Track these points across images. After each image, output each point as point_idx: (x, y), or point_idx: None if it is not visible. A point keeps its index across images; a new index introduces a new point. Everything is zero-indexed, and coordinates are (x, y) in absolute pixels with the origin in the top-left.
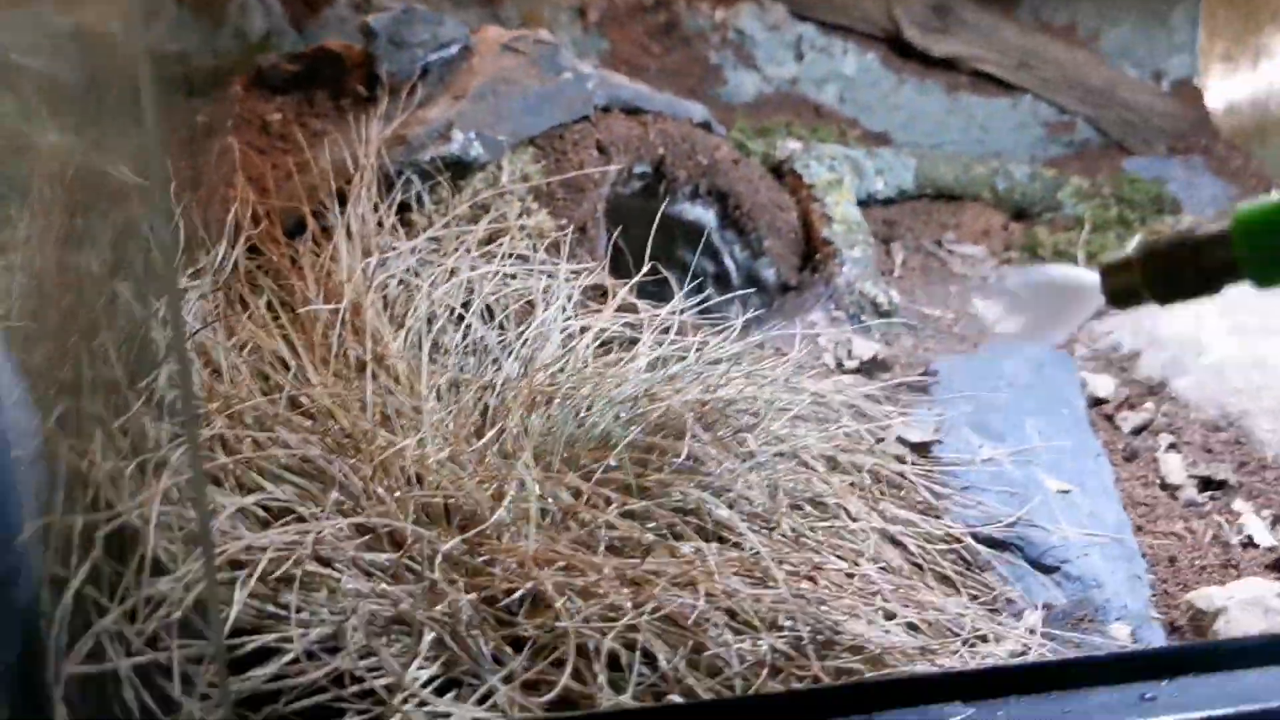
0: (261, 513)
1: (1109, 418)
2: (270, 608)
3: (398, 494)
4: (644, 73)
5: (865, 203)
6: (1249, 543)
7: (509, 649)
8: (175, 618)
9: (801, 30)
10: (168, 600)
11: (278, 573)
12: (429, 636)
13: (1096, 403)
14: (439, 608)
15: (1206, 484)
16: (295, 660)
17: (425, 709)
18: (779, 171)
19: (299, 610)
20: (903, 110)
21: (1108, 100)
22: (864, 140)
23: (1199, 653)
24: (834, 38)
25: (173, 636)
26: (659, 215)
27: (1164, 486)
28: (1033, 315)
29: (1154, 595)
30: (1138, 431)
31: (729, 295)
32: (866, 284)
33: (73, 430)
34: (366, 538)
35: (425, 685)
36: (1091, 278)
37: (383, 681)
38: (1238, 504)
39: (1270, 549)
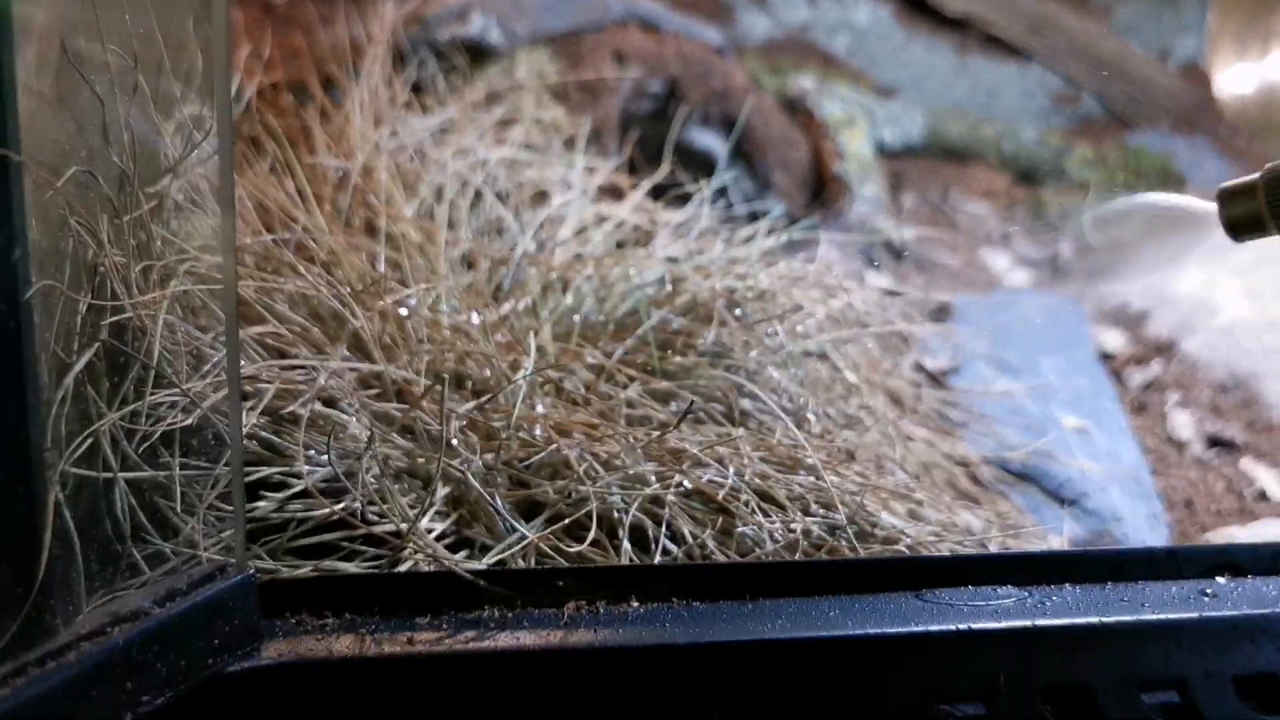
0: (264, 351)
1: (1116, 373)
2: (277, 439)
3: (410, 349)
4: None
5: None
6: (1262, 496)
7: (524, 518)
8: (186, 423)
9: None
10: (172, 413)
11: (284, 410)
12: (442, 491)
13: (1104, 357)
14: (454, 464)
15: (1214, 442)
16: (301, 495)
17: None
18: (792, 108)
19: (307, 448)
20: (911, 67)
21: (1115, 73)
22: (872, 93)
23: (1259, 554)
24: None
25: (174, 452)
26: (669, 140)
27: (1171, 441)
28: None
29: (1172, 535)
30: (1146, 388)
31: (753, 206)
32: (879, 220)
33: (81, 205)
34: (375, 391)
35: (437, 540)
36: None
37: (392, 526)
38: (1245, 462)
39: None
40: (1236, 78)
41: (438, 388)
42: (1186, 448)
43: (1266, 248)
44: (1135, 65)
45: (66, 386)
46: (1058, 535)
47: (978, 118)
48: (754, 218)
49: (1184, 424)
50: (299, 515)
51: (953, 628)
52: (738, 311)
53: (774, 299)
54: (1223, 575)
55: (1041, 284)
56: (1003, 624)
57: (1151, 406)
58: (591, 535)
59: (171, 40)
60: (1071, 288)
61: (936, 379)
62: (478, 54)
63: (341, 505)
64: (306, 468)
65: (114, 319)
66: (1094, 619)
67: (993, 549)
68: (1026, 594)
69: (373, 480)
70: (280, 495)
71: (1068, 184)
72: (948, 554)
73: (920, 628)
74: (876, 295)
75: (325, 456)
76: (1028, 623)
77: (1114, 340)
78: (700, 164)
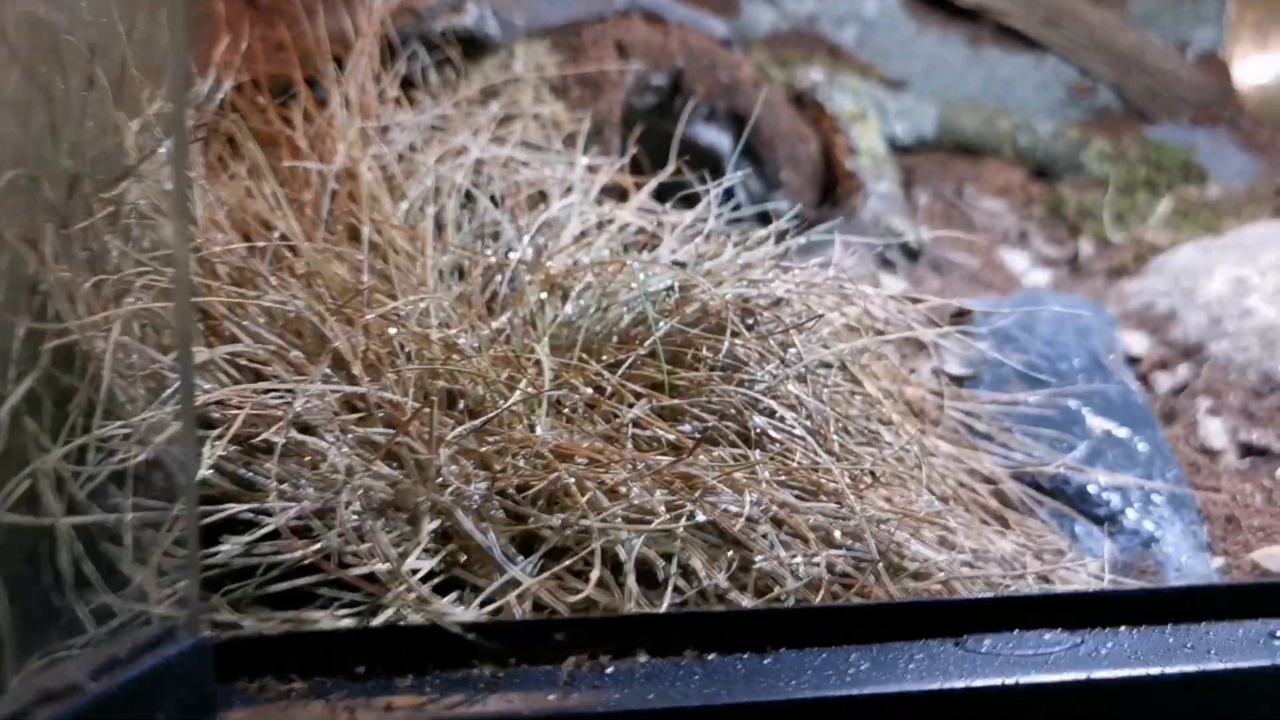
0: (235, 373)
1: (1143, 377)
2: (245, 472)
3: (396, 367)
4: None
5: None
6: None
7: (522, 554)
8: (138, 460)
9: None
10: (123, 448)
11: (255, 438)
12: (431, 526)
13: (1130, 361)
14: (445, 495)
15: (1249, 450)
16: (272, 535)
17: (422, 610)
18: (800, 102)
19: (280, 481)
20: (922, 59)
21: (1133, 66)
22: (883, 86)
23: None
24: None
25: (127, 491)
26: (671, 133)
27: (1204, 450)
28: None
29: (1215, 555)
30: (1175, 393)
31: (760, 207)
32: (894, 219)
33: (19, 212)
34: (359, 415)
35: (424, 581)
36: None
37: (372, 568)
38: None
39: None
40: (1257, 68)
41: (426, 410)
42: (1220, 457)
43: None
44: (1153, 57)
45: (1, 420)
46: (1096, 558)
47: (992, 110)
48: (764, 218)
49: (1216, 431)
50: (269, 559)
51: (999, 682)
52: (751, 321)
53: (789, 307)
54: None
55: (1062, 284)
56: (1054, 676)
57: (1181, 413)
58: (595, 575)
59: (139, 32)
60: (1093, 287)
61: (958, 383)
62: (473, 46)
63: (317, 546)
64: (279, 504)
65: (58, 341)
66: (1155, 670)
67: (1030, 580)
68: (1079, 640)
69: (353, 516)
70: (247, 538)
71: (1086, 178)
72: (989, 594)
73: (962, 683)
74: (894, 300)
75: (301, 490)
76: (1082, 675)
77: (1139, 343)
78: (706, 161)
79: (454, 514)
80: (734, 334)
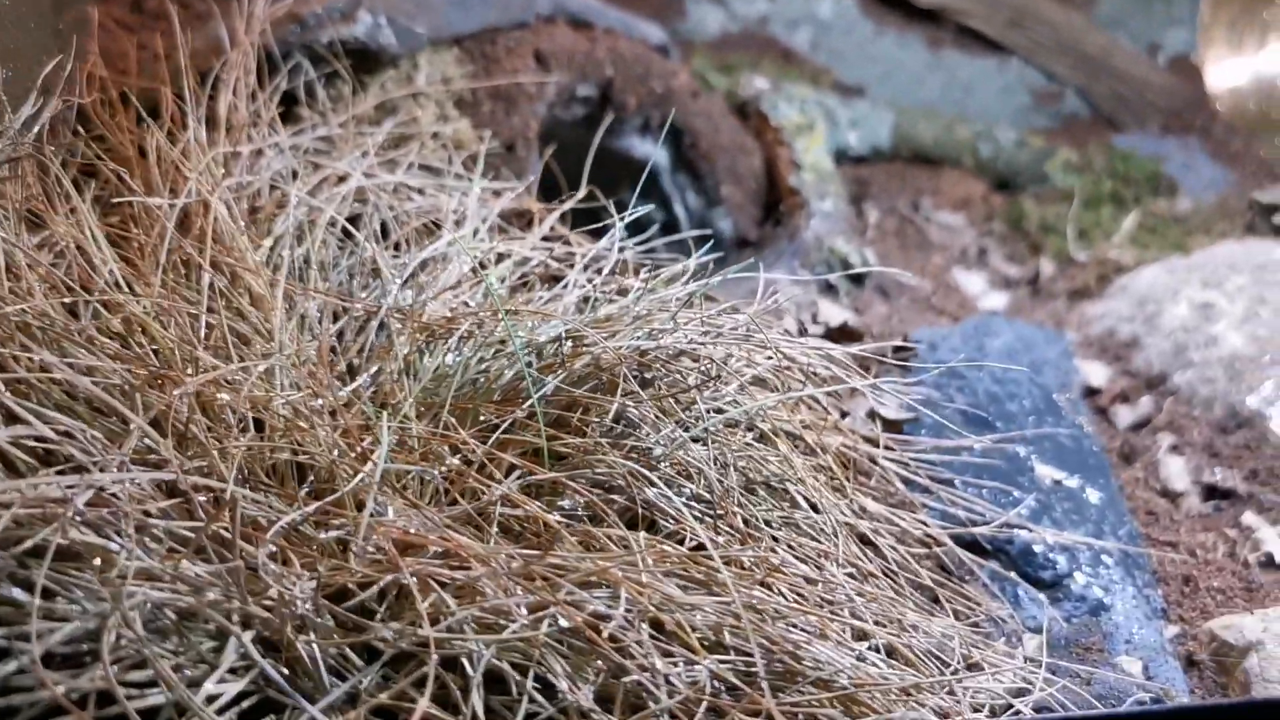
0: (22, 456)
1: (1102, 410)
2: (5, 589)
3: (224, 443)
4: None
5: (836, 159)
6: (1269, 562)
7: (359, 661)
8: None
9: None
10: None
11: (27, 543)
12: (244, 637)
13: (1089, 393)
14: (264, 600)
15: (1213, 492)
16: (25, 670)
17: None
18: (743, 112)
19: (49, 595)
20: (880, 62)
21: (1101, 70)
22: (836, 91)
23: None
24: None
25: None
26: (602, 147)
27: (1165, 493)
28: None
29: (1168, 621)
30: (1136, 428)
31: (676, 237)
32: (838, 240)
33: None
34: (177, 500)
35: (226, 709)
36: None
37: (157, 701)
38: (1249, 517)
39: None
40: (1230, 72)
41: (254, 494)
42: (1182, 500)
43: (1267, 268)
44: (1122, 60)
45: None
46: (1035, 633)
47: (952, 118)
48: (704, 241)
49: (1178, 472)
50: (25, 699)
51: None
52: (650, 375)
53: (696, 358)
54: None
55: (1021, 307)
56: None
57: (1142, 452)
58: (425, 700)
59: None
60: (1053, 310)
61: (894, 428)
62: (365, 59)
63: (72, 684)
64: (43, 625)
65: None
66: None
67: (955, 670)
68: None
69: (131, 637)
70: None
71: (1050, 190)
72: None
73: None
74: (816, 345)
75: (74, 605)
76: None
77: (1099, 374)
78: (638, 177)
79: (276, 626)
80: (627, 393)
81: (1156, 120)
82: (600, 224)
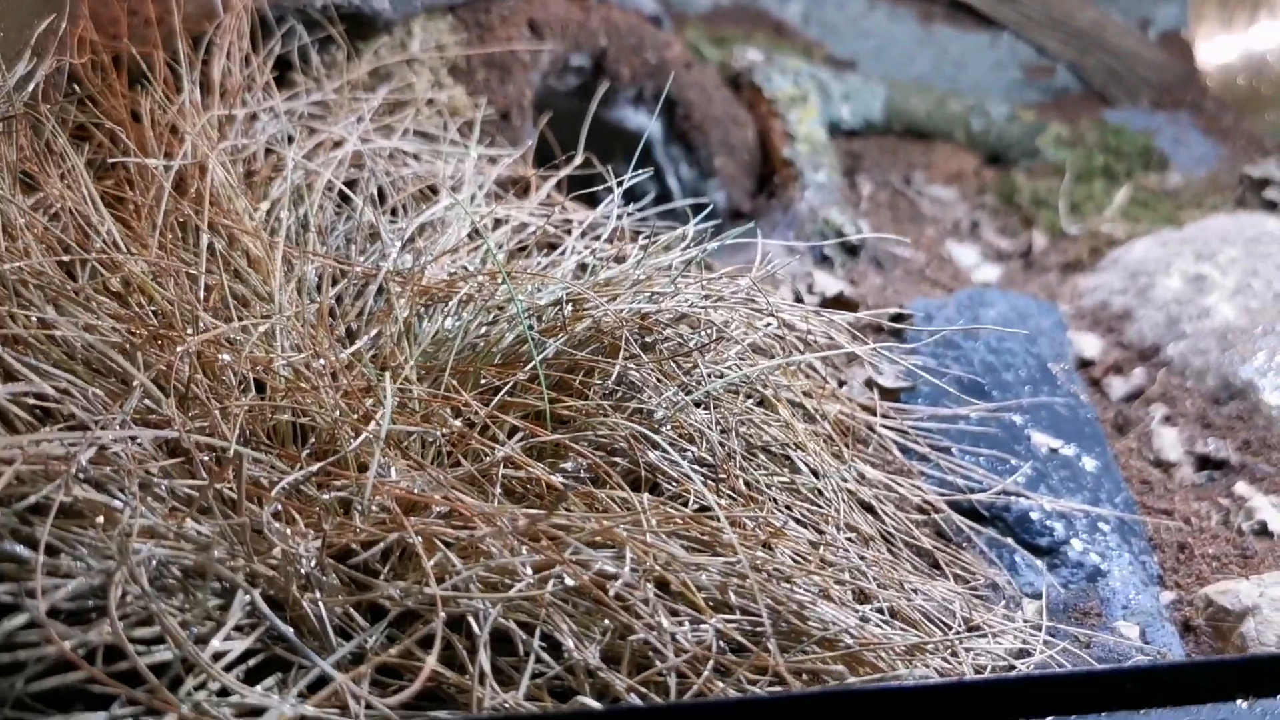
0: (21, 414)
1: (1095, 382)
2: (8, 545)
3: (225, 403)
4: None
5: (829, 132)
6: (1262, 530)
7: (363, 621)
8: None
9: None
10: None
11: (29, 499)
12: (245, 598)
13: (1082, 365)
14: (269, 559)
15: (1205, 462)
16: (35, 624)
17: (229, 700)
18: (736, 83)
19: (53, 552)
20: (872, 37)
21: (1093, 45)
22: (829, 65)
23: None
24: None
25: None
26: (596, 117)
27: (1158, 464)
28: None
29: (1164, 587)
30: (1129, 399)
31: (669, 206)
32: (832, 211)
33: None
34: (178, 460)
35: (233, 666)
36: None
37: (164, 658)
38: (1241, 487)
39: None
40: (1221, 48)
41: (257, 453)
42: (1175, 470)
43: (1259, 241)
44: (1114, 35)
45: None
46: (1034, 598)
47: (944, 92)
48: (698, 211)
49: (1171, 443)
50: (31, 654)
51: None
52: (650, 339)
53: (697, 322)
54: (1243, 697)
55: (1014, 280)
56: None
57: (1135, 422)
58: (433, 657)
59: None
60: (1046, 283)
61: (891, 397)
62: (359, 24)
63: (87, 633)
64: (48, 581)
65: None
66: None
67: (956, 632)
68: None
69: (137, 593)
70: (7, 625)
71: (1042, 164)
72: (889, 685)
73: None
74: (817, 311)
75: (78, 562)
76: None
77: (1092, 345)
78: (634, 146)
79: (282, 584)
80: (629, 356)
81: (1148, 95)
82: (596, 189)
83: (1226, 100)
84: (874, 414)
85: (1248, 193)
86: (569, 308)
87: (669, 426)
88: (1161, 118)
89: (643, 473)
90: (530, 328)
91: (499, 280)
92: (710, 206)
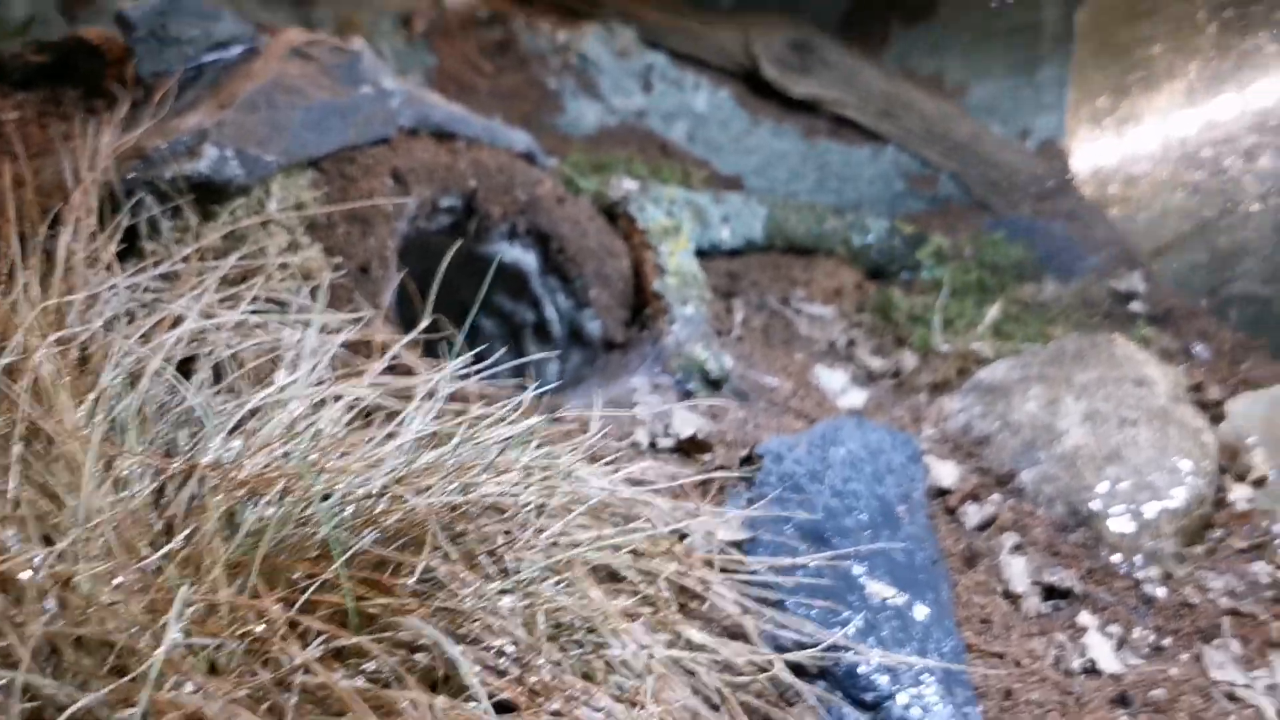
0: None
1: (951, 511)
2: None
3: (21, 624)
4: (473, 94)
5: (709, 253)
6: (1091, 669)
7: None
8: None
9: (652, 59)
10: None
11: None
12: None
13: (940, 493)
14: None
15: (1050, 592)
16: None
17: None
18: (612, 213)
19: None
20: (757, 154)
21: (972, 156)
22: (713, 183)
23: None
24: (686, 70)
25: None
26: (467, 255)
27: (1006, 595)
28: None
29: None
30: (982, 528)
31: (537, 357)
32: (697, 347)
33: None
34: None
35: None
36: None
37: None
38: (1083, 616)
39: (1114, 677)
40: (1095, 154)
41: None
42: (1022, 601)
43: (1113, 363)
44: (991, 146)
45: None
46: None
47: (824, 208)
48: (576, 340)
49: (1020, 573)
50: None
51: None
52: (461, 528)
53: (509, 507)
54: None
55: (882, 404)
56: None
57: (985, 554)
58: None
59: None
60: (914, 405)
61: (732, 549)
62: (212, 193)
63: None
64: None
65: None
66: None
67: None
68: None
69: None
70: None
71: (920, 280)
72: None
73: None
74: (666, 459)
75: None
76: None
77: (950, 474)
78: (512, 280)
79: None
80: (434, 549)
81: (1027, 203)
82: (447, 346)
83: (1101, 205)
84: (712, 568)
85: (1113, 305)
86: (384, 498)
87: (473, 620)
88: (1039, 226)
89: (444, 671)
90: (337, 525)
91: (313, 473)
92: (583, 339)
